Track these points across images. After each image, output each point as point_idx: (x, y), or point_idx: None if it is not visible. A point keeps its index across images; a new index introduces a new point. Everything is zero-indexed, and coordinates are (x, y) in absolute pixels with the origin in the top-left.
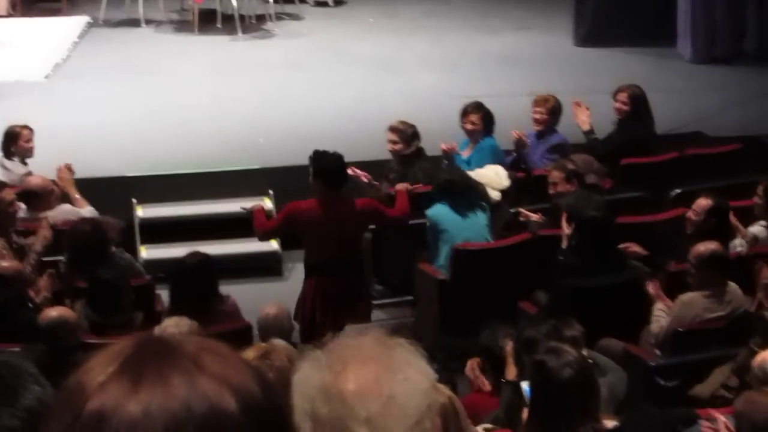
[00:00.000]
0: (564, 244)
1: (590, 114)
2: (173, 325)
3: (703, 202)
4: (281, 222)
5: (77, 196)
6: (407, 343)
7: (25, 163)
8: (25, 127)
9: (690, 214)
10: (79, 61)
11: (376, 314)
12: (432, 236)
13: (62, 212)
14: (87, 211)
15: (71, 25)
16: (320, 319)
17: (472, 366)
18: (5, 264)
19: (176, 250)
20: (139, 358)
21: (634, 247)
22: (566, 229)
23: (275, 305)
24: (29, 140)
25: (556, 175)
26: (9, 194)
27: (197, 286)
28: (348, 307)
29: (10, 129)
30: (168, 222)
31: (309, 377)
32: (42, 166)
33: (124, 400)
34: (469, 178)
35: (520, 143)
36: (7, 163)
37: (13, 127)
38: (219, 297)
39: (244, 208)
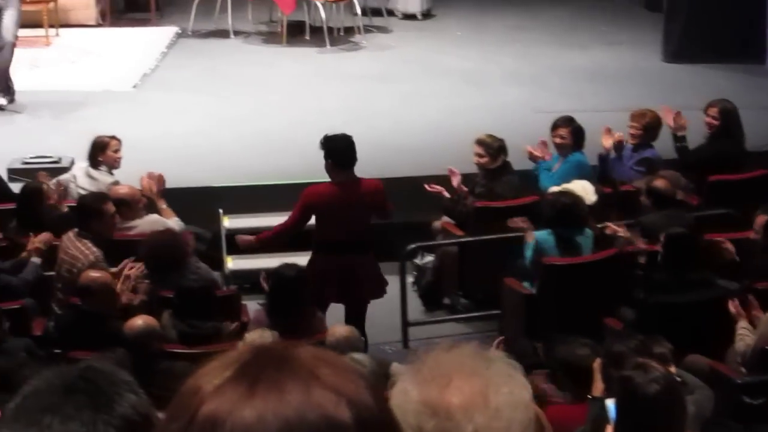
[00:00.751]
0: (643, 260)
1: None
2: (257, 338)
3: (760, 219)
4: (301, 210)
5: (164, 206)
6: (505, 356)
7: (111, 173)
8: (114, 137)
9: (752, 234)
10: (168, 72)
11: (461, 327)
12: (534, 259)
13: (150, 222)
14: (174, 221)
15: (160, 35)
16: (328, 295)
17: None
18: (96, 274)
19: (262, 262)
20: (256, 365)
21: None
22: (644, 245)
23: (346, 326)
24: (117, 150)
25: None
26: (112, 207)
27: (294, 297)
28: (357, 284)
29: (98, 139)
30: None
31: (409, 391)
32: (129, 176)
33: (239, 404)
34: (585, 210)
35: (617, 146)
36: (93, 172)
37: (102, 137)
38: (312, 309)
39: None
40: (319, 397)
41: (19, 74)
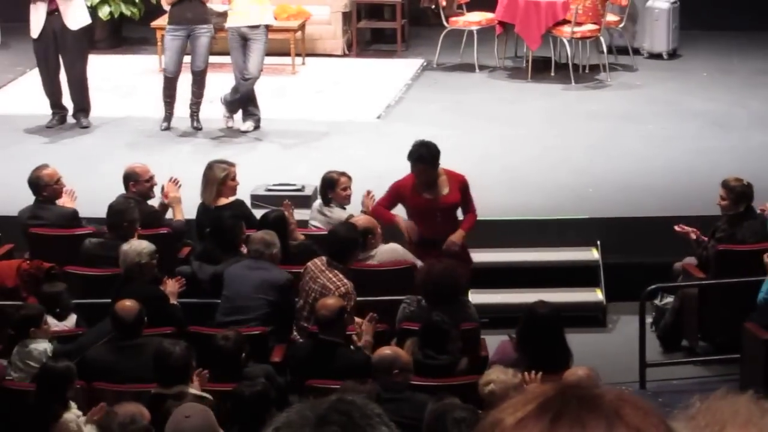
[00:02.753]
0: None
1: None
2: (500, 372)
3: None
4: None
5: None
6: None
7: (344, 208)
8: (343, 174)
9: None
10: (412, 104)
11: (699, 371)
12: None
13: (389, 251)
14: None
15: (405, 67)
16: None
17: None
18: (332, 303)
19: (502, 296)
20: (560, 401)
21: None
22: None
23: (585, 368)
24: (346, 188)
25: None
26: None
27: (544, 335)
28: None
29: (327, 175)
30: (494, 267)
31: None
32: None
33: None
34: None
35: None
36: (325, 209)
37: (330, 173)
38: (562, 346)
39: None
40: None
41: (264, 102)
